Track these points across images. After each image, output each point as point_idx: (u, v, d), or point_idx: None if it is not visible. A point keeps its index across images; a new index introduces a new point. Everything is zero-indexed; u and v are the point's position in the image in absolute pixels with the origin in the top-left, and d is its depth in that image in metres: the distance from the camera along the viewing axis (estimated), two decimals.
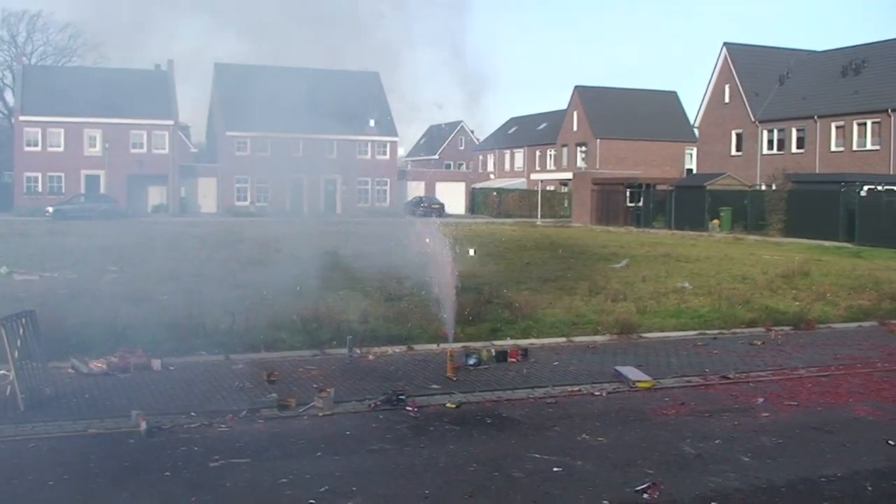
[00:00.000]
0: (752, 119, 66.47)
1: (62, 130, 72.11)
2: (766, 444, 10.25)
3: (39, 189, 71.60)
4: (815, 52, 69.57)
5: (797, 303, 21.35)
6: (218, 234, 42.66)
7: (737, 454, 9.84)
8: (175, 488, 8.60)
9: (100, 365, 13.43)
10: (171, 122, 75.43)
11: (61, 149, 72.06)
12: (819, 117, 60.83)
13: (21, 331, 11.81)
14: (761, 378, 13.90)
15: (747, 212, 54.49)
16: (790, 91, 65.78)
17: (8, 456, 9.53)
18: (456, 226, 53.04)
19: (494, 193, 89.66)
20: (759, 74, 67.42)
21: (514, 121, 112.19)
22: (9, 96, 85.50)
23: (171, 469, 9.17)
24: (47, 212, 62.52)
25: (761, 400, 12.39)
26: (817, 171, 59.31)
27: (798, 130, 63.15)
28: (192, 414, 11.25)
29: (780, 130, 64.95)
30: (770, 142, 65.84)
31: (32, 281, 23.36)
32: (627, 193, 66.42)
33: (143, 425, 10.41)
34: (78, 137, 72.36)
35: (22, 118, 71.61)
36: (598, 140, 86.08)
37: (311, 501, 8.26)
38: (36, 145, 71.88)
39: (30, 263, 26.79)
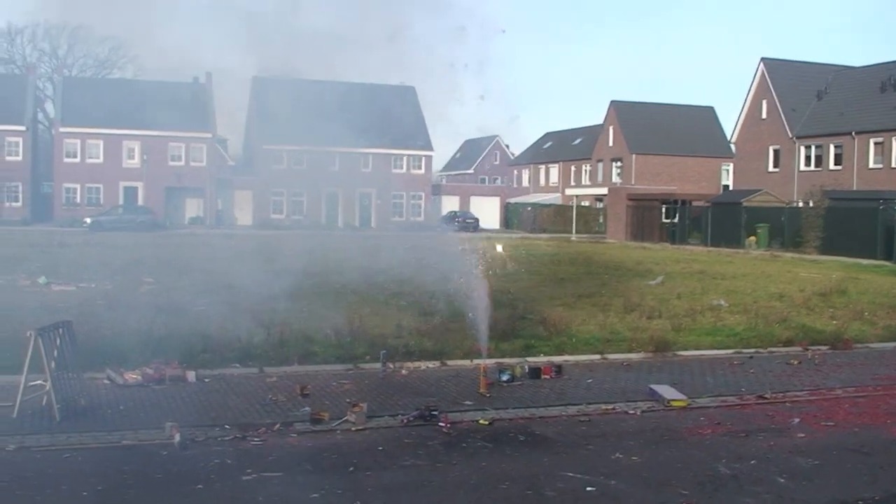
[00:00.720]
0: (790, 135, 65.98)
1: (101, 142, 72.87)
2: (802, 466, 10.12)
3: (78, 200, 72.38)
4: (853, 67, 68.98)
5: (834, 321, 21.12)
6: (254, 246, 42.86)
7: (772, 475, 9.73)
8: (208, 501, 8.62)
9: (135, 376, 13.52)
10: (208, 135, 76.00)
11: (100, 160, 72.81)
12: (857, 133, 60.28)
13: (58, 341, 11.92)
14: (798, 398, 13.75)
15: (784, 229, 54.04)
16: (828, 107, 65.25)
17: (43, 466, 9.61)
18: (488, 240, 53.02)
19: (529, 208, 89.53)
20: (796, 90, 66.94)
21: (549, 136, 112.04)
22: (49, 108, 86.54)
23: (204, 482, 9.20)
24: (85, 223, 63.11)
25: (797, 420, 12.25)
26: (855, 188, 58.75)
27: (836, 147, 62.59)
28: (226, 427, 11.29)
29: (817, 147, 64.41)
30: (807, 158, 65.31)
31: (69, 291, 23.59)
32: (663, 209, 66.06)
33: (177, 437, 10.45)
34: (117, 149, 73.09)
35: (62, 129, 72.46)
36: (634, 155, 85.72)
37: None
38: (75, 157, 72.68)
39: (67, 274, 27.04)
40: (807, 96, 66.71)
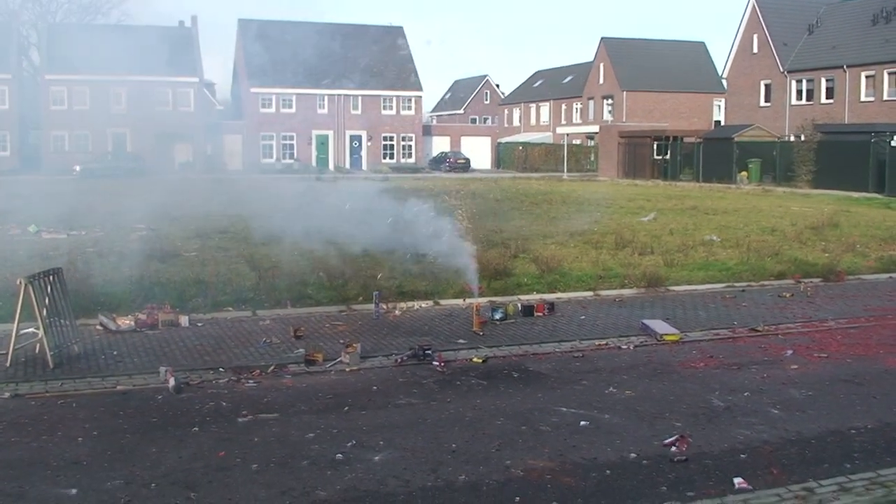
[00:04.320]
0: (781, 69, 65.58)
1: (87, 89, 72.16)
2: (795, 397, 10.18)
3: (66, 148, 71.79)
4: (844, 0, 68.39)
5: (826, 254, 21.16)
6: (244, 190, 42.71)
7: (766, 406, 9.78)
8: (203, 443, 8.65)
9: (128, 322, 13.52)
10: (195, 80, 75.30)
11: (87, 107, 72.15)
12: (849, 67, 59.89)
13: (49, 288, 11.88)
14: (790, 330, 13.81)
15: (776, 163, 53.95)
16: (819, 40, 64.77)
17: (37, 413, 9.62)
18: (482, 181, 52.89)
19: (520, 148, 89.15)
20: (787, 24, 66.37)
21: (539, 74, 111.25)
22: (34, 55, 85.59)
23: (200, 424, 9.22)
24: (75, 170, 62.71)
25: (790, 352, 12.31)
26: (847, 122, 58.49)
27: (827, 80, 62.23)
28: (221, 370, 11.33)
29: (808, 81, 64.05)
30: (799, 92, 64.97)
31: (60, 239, 23.50)
32: (654, 146, 65.79)
33: (172, 381, 10.47)
34: (104, 95, 72.39)
35: (48, 77, 71.71)
36: (625, 92, 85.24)
37: (339, 456, 8.28)
38: (62, 104, 72.02)
39: (58, 222, 26.92)
40: (798, 30, 66.17)
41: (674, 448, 8.45)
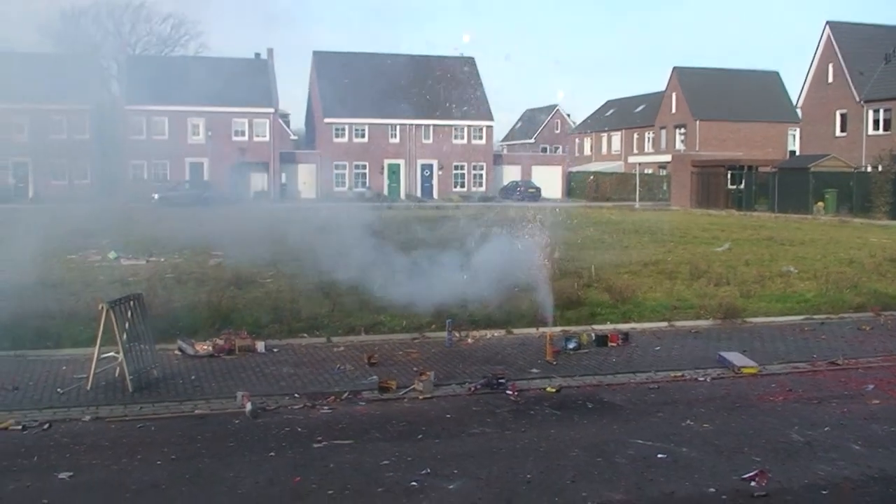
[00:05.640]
0: (857, 99, 64.50)
1: (166, 119, 73.67)
2: (877, 432, 9.94)
3: (145, 176, 73.24)
4: None
5: None
6: (318, 219, 43.11)
7: (847, 442, 9.57)
8: (279, 468, 8.71)
9: (205, 347, 13.71)
10: (271, 110, 76.46)
11: (166, 137, 73.63)
12: None
13: (129, 314, 12.11)
14: (871, 364, 13.51)
15: (853, 194, 52.98)
16: None
17: (117, 436, 9.78)
18: (553, 210, 52.70)
19: (591, 177, 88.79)
20: (863, 53, 65.31)
21: (611, 103, 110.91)
22: (114, 86, 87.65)
23: (276, 449, 9.30)
24: (153, 198, 63.96)
25: (871, 387, 12.03)
26: None
27: None
28: (296, 395, 11.42)
29: (885, 110, 62.85)
30: (876, 122, 63.78)
31: (139, 265, 23.95)
32: (728, 176, 65.03)
33: (248, 406, 10.58)
34: (182, 126, 73.85)
35: (127, 107, 73.36)
36: (698, 121, 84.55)
37: (413, 483, 8.28)
38: (141, 134, 73.55)
39: (137, 248, 27.46)
40: (874, 59, 65.07)
41: (753, 483, 8.30)
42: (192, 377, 12.32)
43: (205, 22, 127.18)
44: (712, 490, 8.16)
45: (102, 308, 11.81)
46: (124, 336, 11.80)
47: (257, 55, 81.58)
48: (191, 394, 11.51)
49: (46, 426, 10.13)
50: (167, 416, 10.64)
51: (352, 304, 16.96)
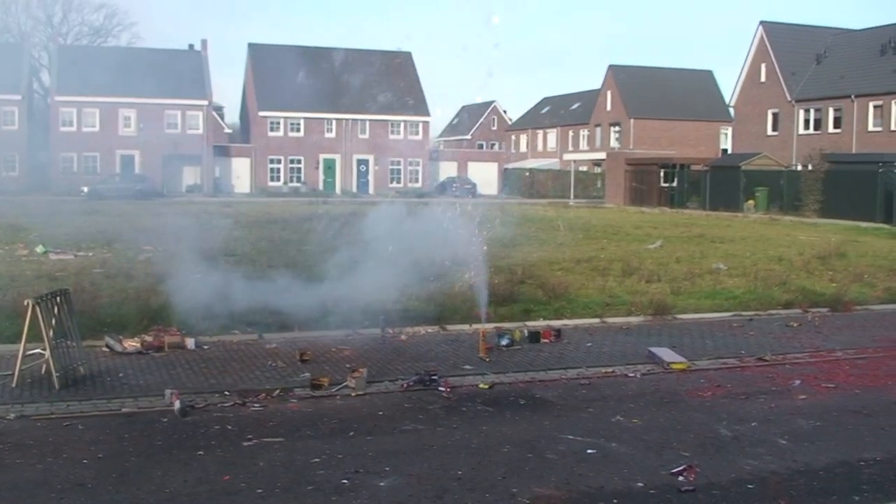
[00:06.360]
0: (789, 98, 65.70)
1: (97, 111, 72.51)
2: (803, 427, 10.12)
3: (75, 169, 72.03)
4: (853, 30, 68.52)
5: (834, 284, 21.09)
6: (252, 214, 42.78)
7: (774, 437, 9.72)
8: (208, 466, 8.61)
9: (134, 344, 13.50)
10: (205, 102, 75.65)
11: (97, 129, 72.48)
12: (857, 96, 60.00)
13: (56, 309, 11.87)
14: (798, 360, 13.75)
15: (783, 192, 53.92)
16: (827, 70, 64.90)
17: (42, 434, 9.59)
18: (489, 206, 52.82)
19: (527, 174, 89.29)
20: (795, 53, 66.54)
21: (546, 100, 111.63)
22: (45, 77, 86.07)
23: (205, 448, 9.19)
24: (82, 191, 62.92)
25: (798, 382, 12.24)
26: (854, 152, 58.51)
27: (835, 110, 62.32)
28: (226, 393, 11.29)
29: (816, 110, 64.15)
30: (807, 121, 65.05)
31: (68, 260, 23.53)
32: (661, 174, 65.87)
33: (177, 404, 10.44)
34: (113, 117, 72.75)
35: (57, 98, 72.06)
36: (632, 120, 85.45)
37: (344, 481, 8.23)
38: (71, 125, 72.32)
39: (65, 242, 26.97)
40: (806, 60, 66.34)
41: (681, 478, 8.39)
42: (120, 374, 12.12)
43: (138, 12, 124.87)
44: (641, 484, 8.23)
45: (28, 304, 11.56)
46: (51, 332, 11.55)
47: (191, 47, 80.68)
48: (118, 391, 11.31)
49: None
50: (94, 414, 10.44)
51: (286, 300, 16.80)
